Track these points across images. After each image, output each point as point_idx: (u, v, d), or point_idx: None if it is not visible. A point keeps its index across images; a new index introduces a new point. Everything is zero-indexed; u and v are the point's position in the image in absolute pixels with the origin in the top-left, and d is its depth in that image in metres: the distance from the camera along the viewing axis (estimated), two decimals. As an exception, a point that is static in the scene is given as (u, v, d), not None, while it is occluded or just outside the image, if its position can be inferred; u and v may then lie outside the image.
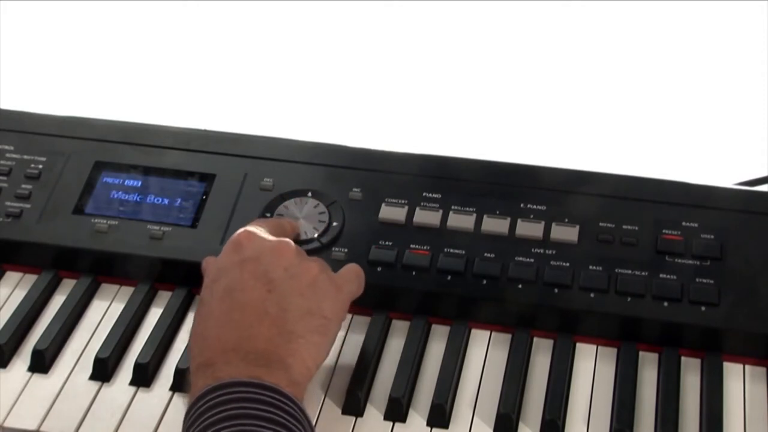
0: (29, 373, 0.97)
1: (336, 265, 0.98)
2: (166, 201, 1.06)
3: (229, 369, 0.81)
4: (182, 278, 1.03)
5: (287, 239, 0.92)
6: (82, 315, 1.03)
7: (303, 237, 1.02)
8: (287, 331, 0.85)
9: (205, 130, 1.12)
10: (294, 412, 0.79)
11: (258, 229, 0.93)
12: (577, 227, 1.01)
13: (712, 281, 0.97)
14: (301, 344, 0.85)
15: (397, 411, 0.92)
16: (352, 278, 0.94)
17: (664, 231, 1.00)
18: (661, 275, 0.97)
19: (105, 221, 1.05)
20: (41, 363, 0.97)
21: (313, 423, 0.90)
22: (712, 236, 0.99)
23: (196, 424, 0.78)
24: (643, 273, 0.98)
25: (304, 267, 0.89)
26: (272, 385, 0.80)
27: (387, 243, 1.01)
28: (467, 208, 1.03)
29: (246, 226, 0.94)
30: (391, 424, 0.92)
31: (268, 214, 1.04)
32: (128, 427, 0.92)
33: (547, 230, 1.01)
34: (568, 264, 0.99)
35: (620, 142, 1.29)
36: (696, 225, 1.00)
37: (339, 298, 0.91)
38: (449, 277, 0.99)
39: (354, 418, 0.92)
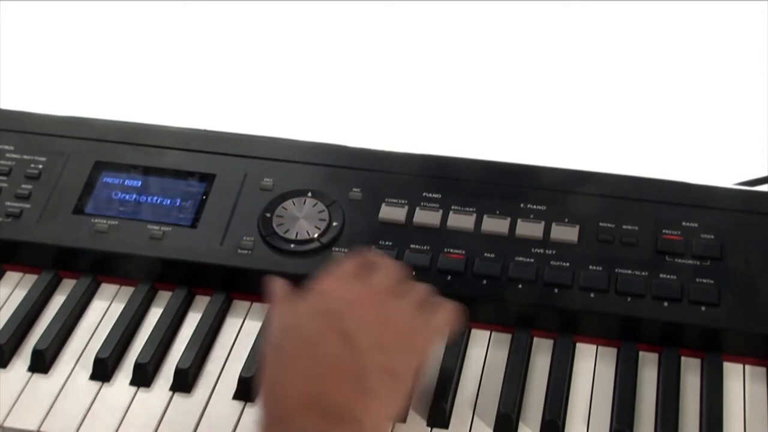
0: (29, 373, 0.97)
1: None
2: (166, 201, 1.06)
3: (302, 425, 0.80)
4: (182, 278, 1.03)
5: (369, 288, 0.90)
6: (82, 315, 1.03)
7: (303, 237, 1.02)
8: (362, 387, 0.83)
9: (205, 130, 1.13)
10: None
11: (341, 276, 0.91)
12: (577, 227, 1.01)
13: (712, 281, 0.97)
14: (377, 403, 0.83)
15: (397, 411, 0.92)
16: (439, 329, 0.91)
17: (664, 231, 1.00)
18: (661, 275, 0.97)
19: (105, 221, 1.05)
20: (41, 363, 0.97)
21: None
22: (712, 236, 0.99)
23: None
24: (643, 273, 0.98)
25: (389, 321, 0.87)
26: None
27: (387, 243, 1.01)
28: (467, 208, 1.03)
29: (331, 273, 0.91)
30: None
31: (268, 214, 1.04)
32: (128, 427, 0.92)
33: (547, 230, 1.01)
34: (568, 264, 0.99)
35: (620, 142, 1.29)
36: (696, 225, 1.00)
37: (419, 354, 0.88)
38: (449, 277, 0.99)
39: (354, 418, 0.92)
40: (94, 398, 0.95)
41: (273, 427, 0.82)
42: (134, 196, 1.07)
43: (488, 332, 0.99)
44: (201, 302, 1.03)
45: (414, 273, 0.99)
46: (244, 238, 1.03)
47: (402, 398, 0.86)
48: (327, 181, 1.06)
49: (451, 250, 1.01)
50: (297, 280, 1.01)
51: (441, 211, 1.03)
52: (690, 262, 0.98)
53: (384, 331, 0.87)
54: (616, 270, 0.98)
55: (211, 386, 0.96)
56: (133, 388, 0.96)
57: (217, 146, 1.10)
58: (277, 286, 0.92)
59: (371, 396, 0.83)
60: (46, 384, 0.96)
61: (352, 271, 0.92)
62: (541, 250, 1.00)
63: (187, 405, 0.94)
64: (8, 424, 0.93)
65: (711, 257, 0.98)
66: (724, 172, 1.16)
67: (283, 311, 0.90)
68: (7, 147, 1.11)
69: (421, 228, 1.02)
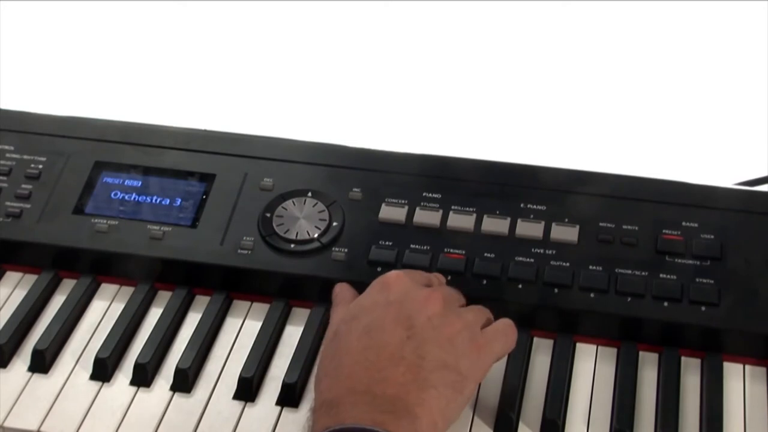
0: (29, 373, 0.97)
1: (336, 266, 0.99)
2: (166, 201, 1.06)
3: (354, 412, 0.79)
4: (182, 278, 1.03)
5: (437, 291, 0.89)
6: (82, 315, 1.03)
7: (303, 237, 1.02)
8: (421, 378, 0.82)
9: (205, 130, 1.12)
10: None
11: (409, 275, 0.91)
12: (577, 227, 1.01)
13: (712, 281, 0.97)
14: (432, 395, 0.82)
15: (397, 411, 0.92)
16: (499, 337, 0.90)
17: (664, 231, 1.00)
18: (661, 275, 0.97)
19: (105, 221, 1.05)
20: (41, 363, 0.97)
21: None
22: (712, 236, 0.99)
23: None
24: (643, 273, 0.98)
25: (448, 320, 0.86)
26: None
27: (387, 243, 1.01)
28: (467, 208, 1.03)
29: (397, 270, 0.92)
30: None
31: (268, 215, 1.04)
32: (128, 427, 0.92)
33: (547, 230, 1.01)
34: (568, 264, 0.99)
35: (620, 142, 1.29)
36: (696, 225, 1.00)
37: (480, 358, 0.87)
38: (449, 277, 0.99)
39: (354, 418, 0.92)
40: (94, 398, 0.95)
41: (323, 411, 0.81)
42: (134, 196, 1.07)
43: (488, 332, 0.99)
44: (201, 302, 1.03)
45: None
46: (244, 238, 1.03)
47: (462, 399, 0.85)
48: (327, 181, 1.06)
49: (451, 250, 1.01)
50: (297, 280, 1.01)
51: (441, 211, 1.03)
52: (690, 262, 0.98)
53: (446, 327, 0.85)
54: (616, 270, 0.98)
55: (211, 386, 0.96)
56: (133, 388, 0.96)
57: (217, 146, 1.10)
58: (343, 289, 0.93)
59: (429, 389, 0.81)
60: (46, 384, 0.96)
61: (417, 277, 0.92)
62: (541, 250, 1.00)
63: (187, 405, 0.94)
64: (8, 424, 0.93)
65: (711, 257, 0.98)
66: (724, 172, 1.16)
67: (345, 307, 0.89)
68: (7, 147, 1.11)
69: (421, 228, 1.02)
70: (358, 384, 0.81)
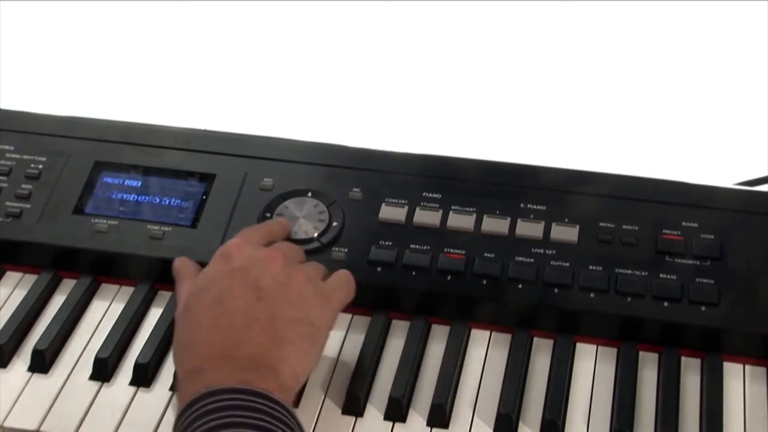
0: (29, 373, 0.97)
1: (336, 266, 0.99)
2: (166, 201, 1.06)
3: (218, 375, 0.81)
4: (182, 278, 1.03)
5: (276, 249, 0.93)
6: (82, 315, 1.03)
7: (303, 237, 1.02)
8: (277, 336, 0.85)
9: (205, 130, 1.12)
10: (284, 418, 0.79)
11: (247, 240, 0.93)
12: (577, 227, 1.01)
13: (712, 281, 0.97)
14: (290, 350, 0.85)
15: (397, 411, 0.92)
16: (341, 285, 0.94)
17: (664, 231, 1.00)
18: (661, 275, 0.97)
19: (105, 221, 1.05)
20: (41, 363, 0.97)
21: (313, 423, 0.90)
22: (712, 236, 0.99)
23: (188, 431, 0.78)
24: (643, 273, 0.98)
25: (292, 276, 0.90)
26: (262, 391, 0.80)
27: (387, 243, 1.01)
28: (467, 208, 1.03)
29: (235, 237, 0.94)
30: (391, 424, 0.92)
31: (268, 214, 1.04)
32: (128, 427, 0.92)
33: (547, 230, 1.01)
34: (568, 264, 0.99)
35: (620, 142, 1.29)
36: (696, 225, 1.00)
37: (327, 307, 0.91)
38: (449, 277, 0.99)
39: (354, 418, 0.92)
40: (94, 398, 0.95)
41: (188, 380, 0.83)
42: (134, 196, 1.07)
43: (488, 332, 0.99)
44: (201, 302, 1.03)
45: (414, 273, 0.99)
46: (244, 238, 1.03)
47: (317, 349, 0.89)
48: (327, 181, 1.06)
49: (451, 250, 1.01)
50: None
51: (441, 211, 1.03)
52: (690, 262, 0.98)
53: (293, 284, 0.89)
54: (616, 270, 0.98)
55: (211, 386, 0.96)
56: (133, 388, 0.96)
57: (217, 146, 1.10)
58: (184, 264, 0.96)
59: (285, 344, 0.85)
60: (46, 384, 0.96)
61: (255, 238, 0.95)
62: (541, 250, 1.00)
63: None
64: (8, 424, 0.93)
65: (711, 257, 0.98)
66: (724, 172, 1.16)
67: (191, 281, 0.92)
68: (7, 147, 1.11)
69: (421, 228, 1.02)
70: (218, 349, 0.84)
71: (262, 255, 0.91)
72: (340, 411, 0.93)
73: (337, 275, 0.95)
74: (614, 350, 0.97)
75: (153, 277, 1.04)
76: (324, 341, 0.90)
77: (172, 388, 0.95)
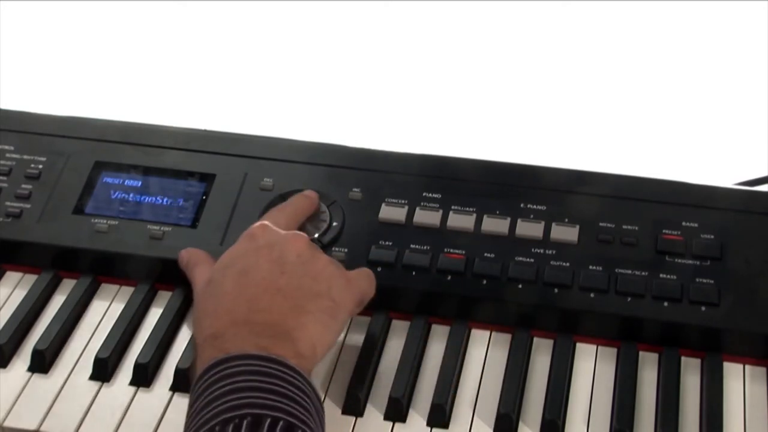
0: (29, 373, 0.97)
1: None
2: (166, 201, 1.06)
3: (237, 341, 0.83)
4: (182, 278, 1.03)
5: (301, 233, 0.95)
6: (82, 315, 1.03)
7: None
8: (296, 306, 0.87)
9: (205, 130, 1.12)
10: (299, 384, 0.81)
11: (272, 223, 0.95)
12: (577, 227, 1.01)
13: (712, 281, 0.97)
14: (309, 320, 0.87)
15: (397, 411, 0.92)
16: (363, 277, 0.96)
17: (664, 231, 1.00)
18: (661, 275, 0.97)
19: (105, 221, 1.05)
20: (41, 363, 0.97)
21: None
22: (712, 236, 0.99)
23: (203, 395, 0.80)
24: (643, 273, 0.98)
25: (316, 256, 0.92)
26: (278, 357, 0.82)
27: (387, 243, 1.01)
28: (467, 208, 1.03)
29: (261, 219, 0.96)
30: (391, 424, 0.92)
31: (268, 214, 1.04)
32: (128, 427, 0.92)
33: (547, 230, 1.01)
34: (568, 264, 0.99)
35: (620, 142, 1.29)
36: (696, 225, 1.00)
37: (349, 289, 0.92)
38: (449, 277, 0.99)
39: (354, 418, 0.93)
40: (94, 398, 0.95)
41: (207, 344, 0.85)
42: (134, 196, 1.07)
43: (488, 332, 0.99)
44: (201, 302, 1.03)
45: (414, 273, 0.99)
46: (244, 238, 1.03)
47: (337, 325, 0.90)
48: (327, 181, 1.06)
49: (451, 250, 1.01)
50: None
51: (441, 211, 1.03)
52: (690, 262, 0.98)
53: (317, 263, 0.91)
54: (616, 270, 0.98)
55: (211, 386, 0.96)
56: (133, 388, 0.96)
57: (217, 146, 1.10)
58: (193, 252, 0.98)
59: (306, 314, 0.87)
60: (46, 384, 0.96)
61: (282, 222, 0.97)
62: (541, 250, 1.00)
63: (187, 405, 0.94)
64: (8, 424, 0.93)
65: (711, 257, 0.98)
66: (724, 172, 1.16)
67: (207, 265, 0.95)
68: (7, 147, 1.11)
69: (421, 228, 1.02)
70: (238, 316, 0.86)
71: (288, 235, 0.93)
72: (340, 411, 0.93)
73: (361, 269, 0.97)
74: (614, 350, 0.97)
75: (153, 277, 1.04)
76: (344, 320, 0.91)
77: (172, 388, 0.95)
